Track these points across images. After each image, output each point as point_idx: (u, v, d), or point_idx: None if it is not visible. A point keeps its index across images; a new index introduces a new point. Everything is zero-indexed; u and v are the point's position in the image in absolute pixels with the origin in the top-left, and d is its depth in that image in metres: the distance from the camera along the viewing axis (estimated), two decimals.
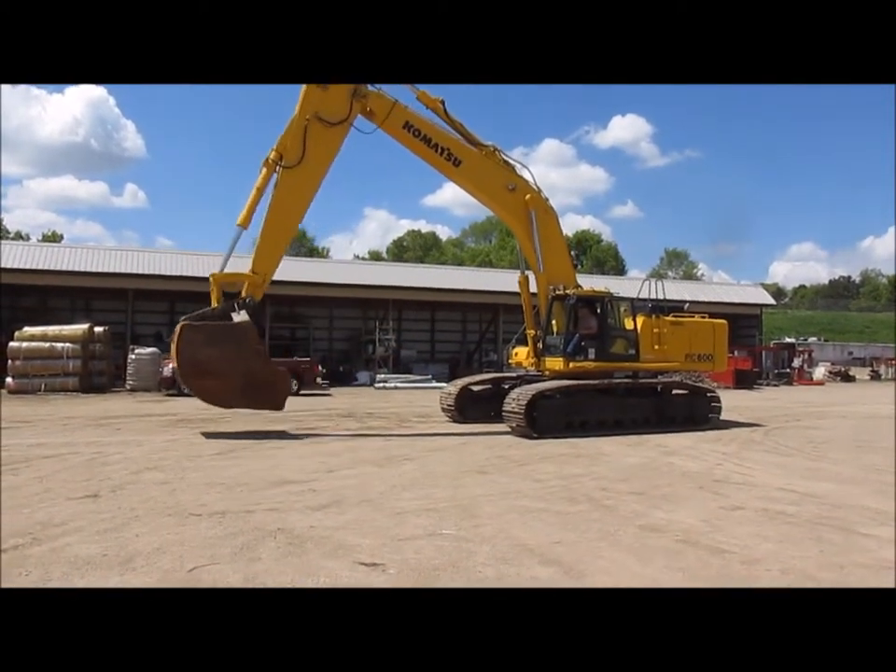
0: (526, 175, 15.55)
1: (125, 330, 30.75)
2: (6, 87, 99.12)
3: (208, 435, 13.02)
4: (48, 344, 24.84)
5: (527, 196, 15.14)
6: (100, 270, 30.52)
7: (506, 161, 15.36)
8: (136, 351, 26.80)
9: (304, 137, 13.34)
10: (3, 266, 28.33)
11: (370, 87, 13.95)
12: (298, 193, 13.68)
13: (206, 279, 31.40)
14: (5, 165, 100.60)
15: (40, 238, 70.68)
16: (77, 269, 30.05)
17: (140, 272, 31.25)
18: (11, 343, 24.93)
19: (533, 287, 15.93)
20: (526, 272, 16.12)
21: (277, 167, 13.36)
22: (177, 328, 12.80)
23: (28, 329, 25.49)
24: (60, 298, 33.66)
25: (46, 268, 29.54)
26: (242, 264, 14.39)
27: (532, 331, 15.66)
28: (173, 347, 12.80)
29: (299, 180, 13.48)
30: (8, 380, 24.31)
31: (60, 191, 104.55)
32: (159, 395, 24.32)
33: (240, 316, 12.96)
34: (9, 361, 24.50)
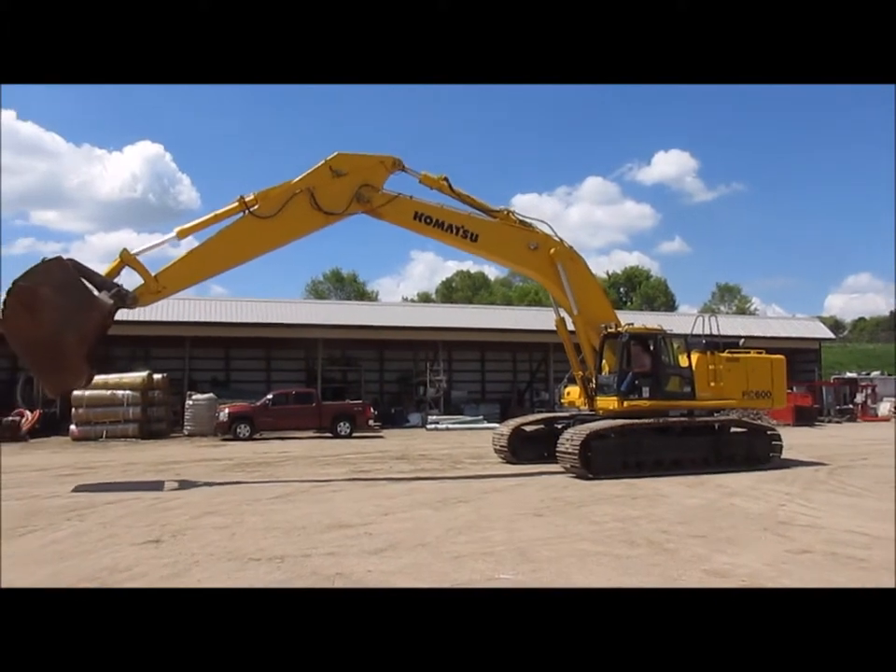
0: (545, 229, 15.33)
1: (182, 377, 31.48)
2: (69, 146, 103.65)
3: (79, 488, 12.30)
4: (109, 392, 25.56)
5: (552, 250, 14.98)
6: (158, 319, 31.35)
7: (522, 222, 15.16)
8: (193, 397, 27.44)
9: (287, 202, 13.19)
10: None
11: (383, 189, 13.85)
12: (248, 243, 13.34)
13: (261, 325, 32.07)
14: (68, 223, 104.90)
15: None
16: (136, 318, 30.92)
17: (196, 319, 32.03)
18: (75, 392, 25.70)
19: (571, 326, 15.82)
20: (562, 312, 15.96)
21: (247, 210, 13.09)
22: (63, 259, 12.05)
23: None
24: (122, 346, 34.66)
25: None
26: None
27: (579, 372, 15.54)
28: (41, 264, 11.95)
29: (257, 232, 13.19)
30: (72, 427, 25.05)
31: (119, 245, 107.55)
32: (215, 439, 24.72)
33: (105, 298, 12.10)
34: (73, 409, 25.27)
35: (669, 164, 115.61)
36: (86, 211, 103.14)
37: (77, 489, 12.11)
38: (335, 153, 13.68)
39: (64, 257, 12.11)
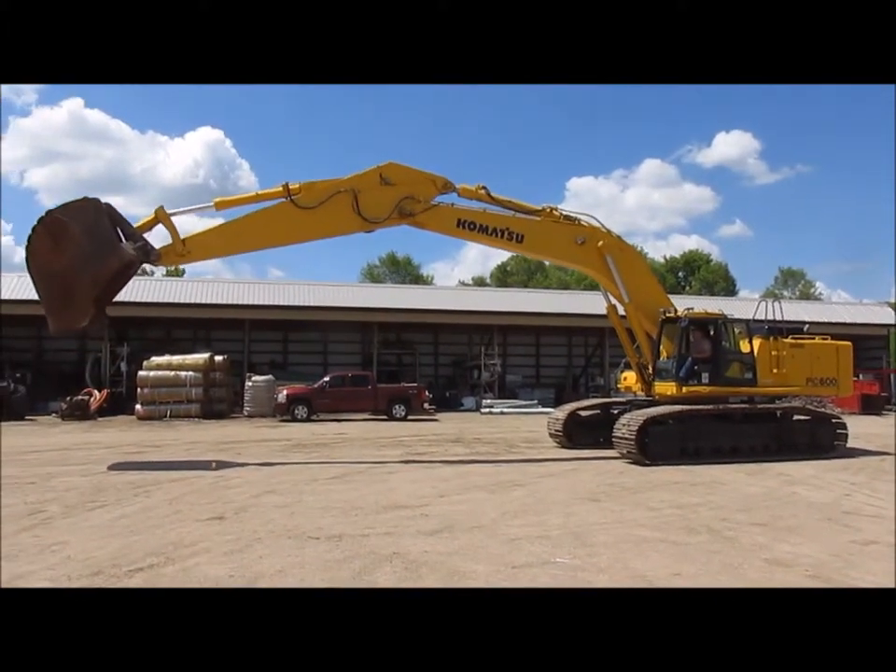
0: (592, 221, 14.97)
1: (242, 359, 32.19)
2: (134, 133, 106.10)
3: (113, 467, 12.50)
4: (172, 373, 26.34)
5: (600, 243, 14.65)
6: (218, 301, 32.16)
7: (567, 217, 14.82)
8: (253, 379, 28.04)
9: (329, 198, 13.09)
10: (132, 300, 30.29)
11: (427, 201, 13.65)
12: (282, 229, 13.31)
13: (318, 308, 32.48)
14: (133, 207, 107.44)
15: (164, 273, 74.89)
16: (197, 301, 31.76)
17: (255, 302, 32.72)
18: (140, 373, 26.60)
19: (622, 311, 15.55)
20: (613, 299, 15.66)
21: (289, 196, 13.03)
22: (101, 202, 12.25)
23: (155, 359, 27.13)
24: (183, 329, 35.64)
25: (170, 301, 31.38)
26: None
27: (634, 358, 15.35)
28: (78, 200, 12.16)
29: (294, 221, 13.14)
30: (138, 407, 25.92)
31: (181, 229, 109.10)
32: (274, 420, 25.24)
33: (129, 249, 12.18)
34: (139, 389, 26.13)
35: (730, 145, 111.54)
36: (150, 196, 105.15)
37: (112, 468, 12.32)
38: (388, 162, 13.60)
39: (102, 200, 12.31)
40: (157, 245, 12.77)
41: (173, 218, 12.83)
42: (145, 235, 12.65)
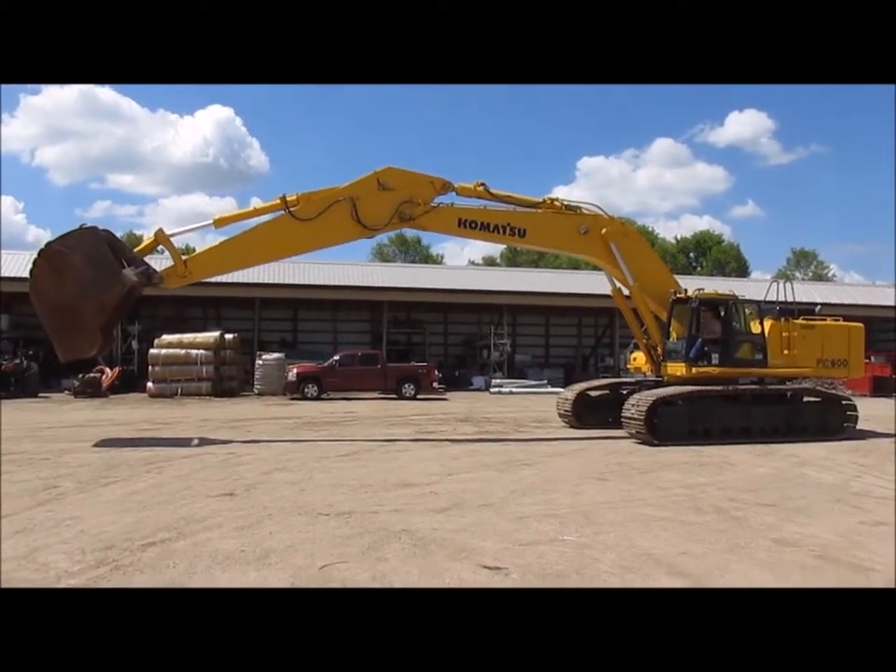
0: (593, 209, 14.86)
1: (252, 337, 32.31)
2: (144, 112, 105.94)
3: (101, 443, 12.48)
4: (183, 351, 26.49)
5: (603, 231, 14.49)
6: (229, 280, 32.09)
7: (568, 207, 14.68)
8: (263, 357, 28.17)
9: (328, 207, 13.01)
10: None
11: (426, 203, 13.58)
12: (282, 242, 13.26)
13: (328, 287, 32.48)
14: (143, 186, 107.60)
15: None
16: (208, 279, 31.71)
17: (266, 281, 32.74)
18: (151, 350, 26.79)
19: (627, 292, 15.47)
20: (618, 284, 15.54)
21: (287, 209, 13.01)
22: (99, 230, 12.47)
23: (166, 337, 27.28)
24: (194, 307, 35.75)
25: None
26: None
27: (642, 339, 15.32)
28: (77, 230, 12.37)
29: (293, 233, 13.06)
30: (149, 384, 26.11)
31: (192, 208, 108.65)
32: (284, 399, 25.38)
33: (131, 274, 12.25)
34: (150, 367, 26.31)
35: (744, 125, 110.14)
36: (160, 175, 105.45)
37: (99, 444, 12.33)
38: (385, 166, 13.50)
39: (100, 228, 12.54)
40: (158, 268, 13.04)
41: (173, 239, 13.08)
42: (146, 258, 12.85)
